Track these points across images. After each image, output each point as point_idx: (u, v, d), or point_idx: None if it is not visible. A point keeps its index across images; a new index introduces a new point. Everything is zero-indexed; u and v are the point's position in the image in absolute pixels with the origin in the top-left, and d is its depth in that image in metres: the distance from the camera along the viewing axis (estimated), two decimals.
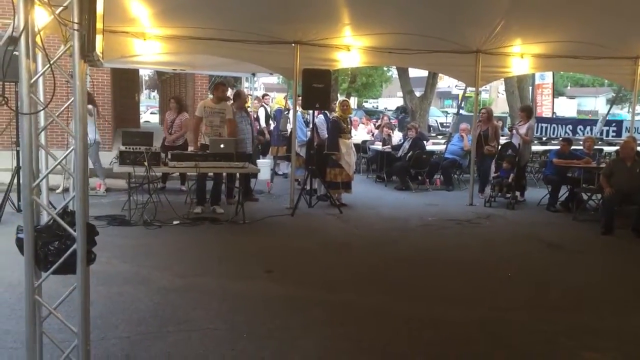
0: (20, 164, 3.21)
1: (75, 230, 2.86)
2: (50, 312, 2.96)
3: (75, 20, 2.72)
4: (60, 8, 2.72)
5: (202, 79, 15.44)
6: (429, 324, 4.45)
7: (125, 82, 20.29)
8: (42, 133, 3.24)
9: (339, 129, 9.04)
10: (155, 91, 54.99)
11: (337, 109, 9.35)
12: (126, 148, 7.41)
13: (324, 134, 9.34)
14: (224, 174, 8.56)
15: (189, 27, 7.98)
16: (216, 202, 8.43)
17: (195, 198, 8.25)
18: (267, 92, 19.61)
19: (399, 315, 4.62)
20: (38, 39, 2.79)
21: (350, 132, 9.41)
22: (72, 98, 2.83)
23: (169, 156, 7.59)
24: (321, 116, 9.48)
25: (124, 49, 8.03)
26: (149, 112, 39.21)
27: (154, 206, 7.57)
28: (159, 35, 8.12)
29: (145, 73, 38.21)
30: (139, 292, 4.93)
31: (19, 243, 2.88)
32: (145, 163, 7.19)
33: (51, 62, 2.76)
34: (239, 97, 9.37)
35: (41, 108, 2.91)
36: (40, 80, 3.34)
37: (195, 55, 9.63)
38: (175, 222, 7.45)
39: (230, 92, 33.16)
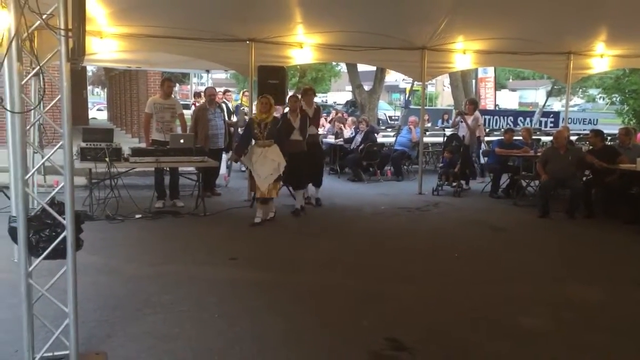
0: None
1: (64, 219, 3.14)
2: (42, 293, 3.22)
3: (62, 26, 3.00)
4: (48, 15, 2.99)
5: (155, 75, 15.48)
6: (384, 299, 4.89)
7: (73, 79, 19.98)
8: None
9: (249, 132, 7.65)
10: (100, 87, 53.95)
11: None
12: (87, 144, 7.55)
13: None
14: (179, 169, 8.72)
15: (145, 26, 8.14)
16: (176, 196, 8.66)
17: (156, 192, 8.45)
18: (214, 87, 19.68)
19: (355, 293, 5.05)
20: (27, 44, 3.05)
21: (272, 137, 7.44)
22: (58, 97, 3.11)
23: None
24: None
25: None
26: (95, 108, 38.60)
27: (116, 201, 7.75)
28: (115, 34, 8.25)
29: (89, 69, 37.58)
30: (111, 280, 5.19)
31: (12, 232, 3.14)
32: (107, 159, 7.37)
33: (40, 65, 3.02)
34: (206, 93, 9.64)
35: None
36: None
37: (150, 53, 9.78)
38: (137, 216, 7.66)
39: (177, 87, 32.32)
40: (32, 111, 3.27)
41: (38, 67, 3.04)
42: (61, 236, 3.13)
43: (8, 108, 2.84)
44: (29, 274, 3.12)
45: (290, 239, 7.02)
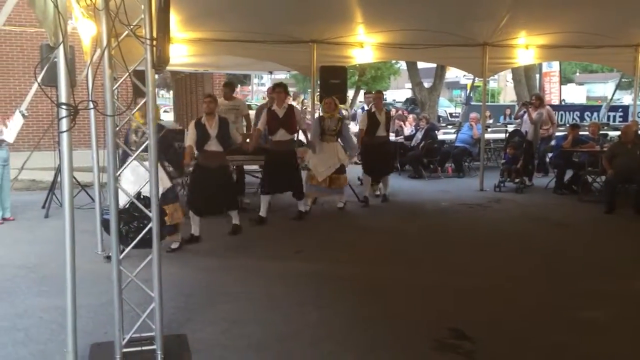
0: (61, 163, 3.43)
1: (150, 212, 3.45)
2: (131, 279, 3.54)
3: (147, 36, 3.30)
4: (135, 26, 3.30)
5: (220, 77, 16.06)
6: (446, 292, 5.02)
7: (141, 81, 20.90)
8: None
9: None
10: (165, 90, 55.94)
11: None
12: None
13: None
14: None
15: (213, 31, 8.51)
16: (242, 193, 8.99)
17: None
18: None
19: (418, 285, 5.21)
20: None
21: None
22: (143, 100, 3.43)
23: None
24: (359, 110, 9.83)
25: None
26: (162, 110, 39.83)
27: (186, 198, 8.13)
28: (185, 39, 8.65)
29: None
30: (185, 271, 5.53)
31: (105, 223, 3.47)
32: None
33: (129, 71, 3.34)
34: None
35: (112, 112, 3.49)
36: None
37: (218, 56, 10.18)
38: None
39: (239, 88, 33.25)
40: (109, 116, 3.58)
41: (127, 73, 3.36)
42: (147, 227, 3.44)
43: (107, 112, 3.16)
44: (119, 262, 3.44)
45: (354, 234, 7.21)
